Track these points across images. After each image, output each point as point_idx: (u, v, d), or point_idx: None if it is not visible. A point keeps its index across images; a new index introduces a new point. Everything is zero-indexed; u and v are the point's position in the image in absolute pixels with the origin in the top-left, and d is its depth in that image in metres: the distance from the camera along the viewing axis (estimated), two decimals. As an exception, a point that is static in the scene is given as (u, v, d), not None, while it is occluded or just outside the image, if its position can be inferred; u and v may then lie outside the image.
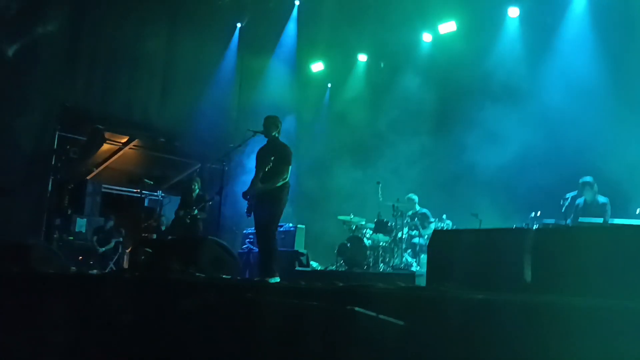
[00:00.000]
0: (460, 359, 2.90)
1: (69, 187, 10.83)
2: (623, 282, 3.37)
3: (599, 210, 7.18)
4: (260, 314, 3.62)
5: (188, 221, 8.80)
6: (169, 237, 9.04)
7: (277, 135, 6.18)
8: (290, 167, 5.98)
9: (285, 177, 5.92)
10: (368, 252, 8.86)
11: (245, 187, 6.10)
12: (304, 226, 9.89)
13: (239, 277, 6.90)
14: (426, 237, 8.76)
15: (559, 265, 3.77)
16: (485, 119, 9.53)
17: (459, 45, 11.04)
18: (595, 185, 7.30)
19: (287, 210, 6.32)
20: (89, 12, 10.59)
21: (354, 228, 9.54)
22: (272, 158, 5.91)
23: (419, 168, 10.48)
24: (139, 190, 11.03)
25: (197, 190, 9.17)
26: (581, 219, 7.02)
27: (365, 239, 9.06)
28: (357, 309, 2.86)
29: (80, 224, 10.99)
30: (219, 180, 12.44)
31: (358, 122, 12.28)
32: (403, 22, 11.39)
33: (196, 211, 8.74)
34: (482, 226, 7.81)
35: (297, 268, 9.12)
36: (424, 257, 8.42)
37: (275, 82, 12.80)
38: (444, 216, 9.11)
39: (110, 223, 10.91)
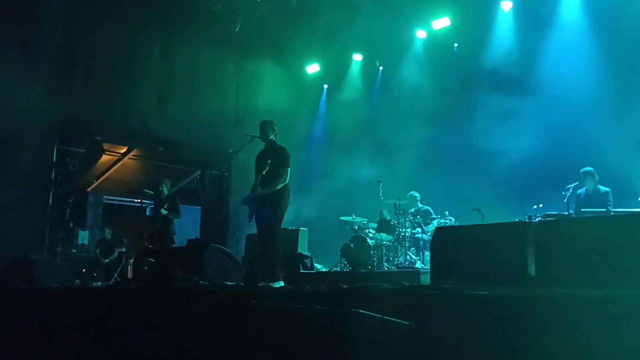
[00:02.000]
0: (468, 357, 2.88)
1: (70, 200, 10.83)
2: (629, 271, 3.36)
3: (601, 199, 7.16)
4: (265, 319, 3.61)
5: (158, 225, 8.65)
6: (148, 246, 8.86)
7: (274, 138, 6.21)
8: (289, 170, 5.98)
9: (284, 179, 5.91)
10: (372, 251, 8.84)
11: (246, 193, 6.10)
12: (306, 229, 9.87)
13: (242, 283, 6.88)
14: (429, 234, 8.74)
15: (563, 257, 3.76)
16: (483, 113, 9.53)
17: (454, 40, 11.05)
18: (596, 175, 7.28)
19: (289, 212, 6.31)
20: (83, 24, 10.58)
21: (356, 228, 9.52)
22: (269, 161, 5.93)
23: (419, 166, 10.47)
24: (139, 200, 11.04)
25: (167, 192, 8.94)
26: (583, 210, 7.00)
27: (368, 239, 9.04)
28: (361, 311, 2.84)
29: (83, 236, 11.00)
30: (219, 186, 12.54)
31: (356, 121, 12.28)
32: (396, 19, 11.39)
33: (164, 212, 8.56)
34: (484, 221, 7.78)
35: (301, 271, 9.10)
36: (427, 254, 8.39)
37: (271, 86, 12.81)
38: (446, 212, 9.09)
39: (109, 232, 10.91)
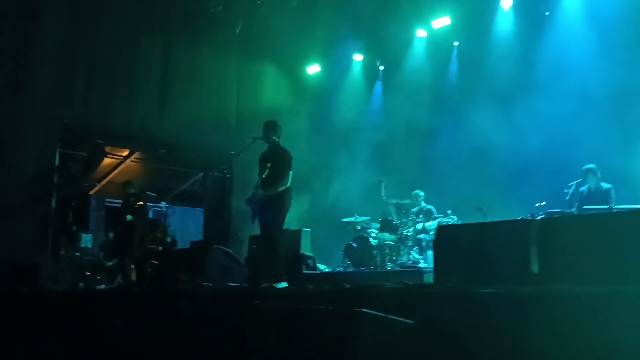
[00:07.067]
0: (472, 355, 2.89)
1: (73, 204, 10.82)
2: (632, 267, 3.36)
3: (604, 196, 7.14)
4: (269, 319, 3.61)
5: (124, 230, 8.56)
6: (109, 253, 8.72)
7: (277, 140, 6.17)
8: (291, 173, 5.96)
9: (285, 182, 5.89)
10: (374, 251, 8.84)
11: (249, 194, 6.10)
12: (309, 229, 9.86)
13: (246, 284, 6.89)
14: (432, 233, 8.73)
15: (565, 254, 3.76)
16: (485, 111, 9.52)
17: (454, 39, 11.05)
18: (599, 172, 7.27)
19: (292, 214, 6.31)
20: (84, 27, 10.60)
21: (359, 228, 9.52)
22: (269, 164, 5.93)
23: (421, 165, 10.47)
24: (142, 203, 11.03)
25: (131, 191, 8.76)
26: (586, 207, 6.98)
27: (371, 239, 9.04)
28: (365, 310, 2.84)
29: (86, 240, 10.98)
30: (221, 187, 12.54)
31: (357, 121, 12.28)
32: (396, 19, 11.40)
33: (129, 217, 8.47)
34: (486, 219, 7.78)
35: (305, 271, 9.10)
36: (430, 253, 8.39)
37: (272, 86, 12.82)
38: (449, 211, 9.07)
39: (111, 235, 10.90)
